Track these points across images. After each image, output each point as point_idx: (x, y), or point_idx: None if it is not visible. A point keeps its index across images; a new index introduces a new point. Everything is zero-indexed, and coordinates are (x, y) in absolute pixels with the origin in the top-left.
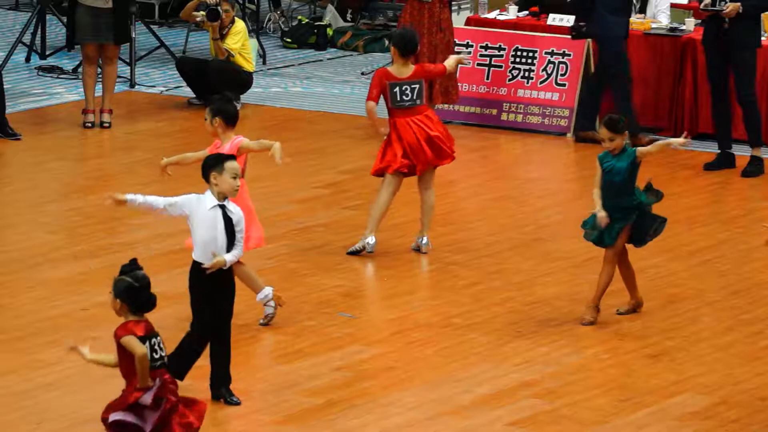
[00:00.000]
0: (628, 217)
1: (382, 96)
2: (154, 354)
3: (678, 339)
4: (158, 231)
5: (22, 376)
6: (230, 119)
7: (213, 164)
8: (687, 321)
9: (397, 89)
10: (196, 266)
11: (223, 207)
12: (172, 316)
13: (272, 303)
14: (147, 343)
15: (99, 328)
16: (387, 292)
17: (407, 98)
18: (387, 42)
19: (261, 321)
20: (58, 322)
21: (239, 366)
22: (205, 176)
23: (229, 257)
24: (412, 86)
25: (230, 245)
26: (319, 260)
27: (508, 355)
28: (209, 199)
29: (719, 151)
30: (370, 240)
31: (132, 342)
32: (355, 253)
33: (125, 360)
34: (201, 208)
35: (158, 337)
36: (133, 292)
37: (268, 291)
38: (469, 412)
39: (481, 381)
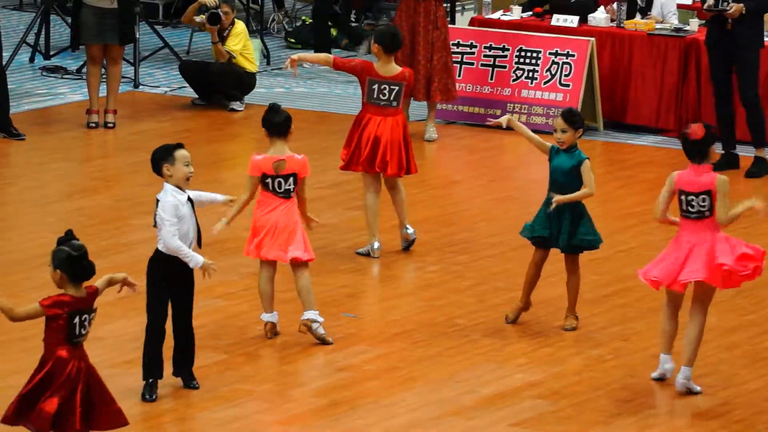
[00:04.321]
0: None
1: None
2: (82, 330)
3: (682, 339)
4: None
5: (26, 376)
6: (274, 130)
7: (163, 156)
8: None
9: (375, 86)
10: (162, 258)
11: (190, 198)
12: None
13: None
14: (76, 318)
15: (102, 328)
16: (390, 292)
17: (383, 98)
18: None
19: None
20: None
21: (243, 366)
22: (157, 170)
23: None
24: (392, 87)
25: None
26: (323, 261)
27: (512, 355)
28: (177, 193)
29: (723, 152)
30: (375, 244)
31: (31, 306)
32: (364, 254)
33: (46, 329)
34: (179, 204)
35: (92, 314)
36: (72, 262)
37: (264, 317)
38: (473, 412)
39: (484, 381)
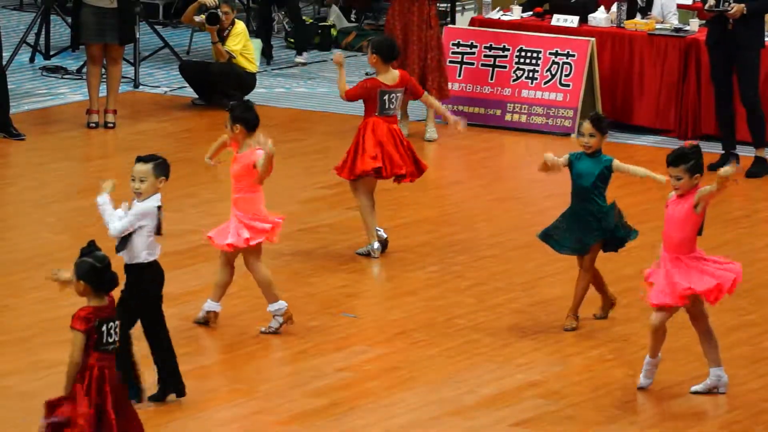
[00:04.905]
0: (599, 226)
1: (363, 101)
2: (109, 338)
3: (682, 340)
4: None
5: (26, 376)
6: (251, 127)
7: None
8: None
9: (386, 97)
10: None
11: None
12: (177, 316)
13: (280, 318)
14: (104, 327)
15: None
16: (391, 292)
17: (392, 106)
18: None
19: (262, 329)
20: (62, 322)
21: (243, 366)
22: None
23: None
24: (397, 94)
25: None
26: (324, 261)
27: (512, 355)
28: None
29: (723, 152)
30: (375, 245)
31: (75, 341)
32: (364, 254)
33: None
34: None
35: (116, 321)
36: (96, 273)
37: (282, 305)
38: (473, 412)
39: (485, 381)
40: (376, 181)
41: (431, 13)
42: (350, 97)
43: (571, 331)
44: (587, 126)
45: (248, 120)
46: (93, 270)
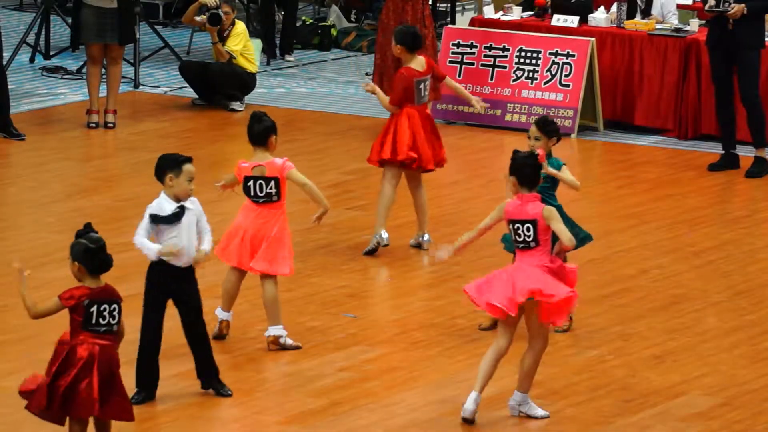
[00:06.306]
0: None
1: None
2: (101, 320)
3: (682, 340)
4: None
5: (26, 376)
6: (252, 139)
7: (170, 166)
8: (691, 321)
9: (421, 86)
10: (158, 268)
11: (182, 208)
12: (177, 316)
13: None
14: (94, 308)
15: None
16: (391, 292)
17: (424, 93)
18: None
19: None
20: (62, 322)
21: (243, 366)
22: (160, 177)
23: (207, 247)
24: (427, 81)
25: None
26: (324, 261)
27: (512, 355)
28: (167, 203)
29: (723, 152)
30: (383, 234)
31: (51, 301)
32: (372, 252)
33: (70, 322)
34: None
35: (113, 305)
36: (90, 254)
37: (279, 331)
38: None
39: None
40: (401, 174)
41: (425, 13)
42: (396, 101)
43: (563, 333)
44: (533, 129)
45: (249, 131)
46: (87, 251)
